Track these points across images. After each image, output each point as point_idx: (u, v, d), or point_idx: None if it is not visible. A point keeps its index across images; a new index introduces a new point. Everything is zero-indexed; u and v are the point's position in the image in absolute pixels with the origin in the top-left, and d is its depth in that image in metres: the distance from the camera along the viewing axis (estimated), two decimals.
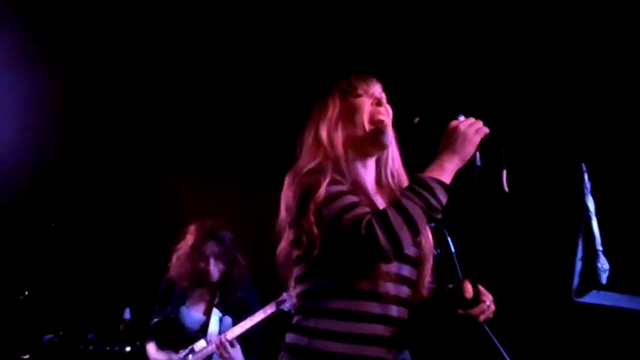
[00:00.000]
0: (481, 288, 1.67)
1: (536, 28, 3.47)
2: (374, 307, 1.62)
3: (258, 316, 3.25)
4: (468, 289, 1.66)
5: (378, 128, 1.75)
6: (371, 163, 1.81)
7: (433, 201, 1.54)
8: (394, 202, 1.55)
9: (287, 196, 1.67)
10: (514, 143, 1.75)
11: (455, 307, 1.67)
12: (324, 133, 1.75)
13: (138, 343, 3.76)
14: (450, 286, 1.78)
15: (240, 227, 3.61)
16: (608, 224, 3.20)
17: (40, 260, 4.43)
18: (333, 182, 1.62)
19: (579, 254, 3.23)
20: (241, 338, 3.28)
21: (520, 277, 3.40)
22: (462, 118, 1.64)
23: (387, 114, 1.77)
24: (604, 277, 3.18)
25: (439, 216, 1.57)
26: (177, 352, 3.35)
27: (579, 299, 3.24)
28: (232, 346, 3.23)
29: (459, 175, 1.60)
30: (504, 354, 2.24)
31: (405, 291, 1.69)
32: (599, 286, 3.20)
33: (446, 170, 1.58)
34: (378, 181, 1.84)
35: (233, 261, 3.43)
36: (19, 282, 4.09)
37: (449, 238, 2.23)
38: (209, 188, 4.31)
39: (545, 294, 3.36)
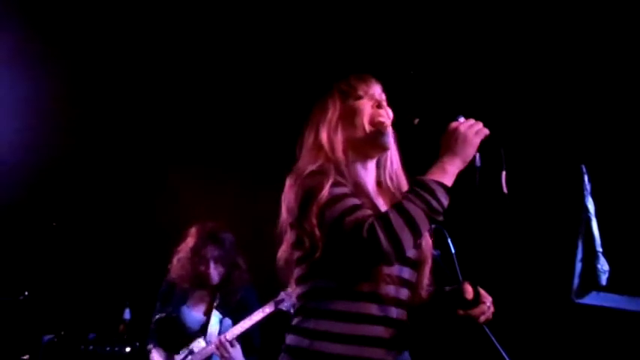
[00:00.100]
0: (481, 290, 1.67)
1: (536, 28, 3.47)
2: (374, 309, 1.62)
3: (257, 316, 3.25)
4: (469, 290, 1.66)
5: (379, 130, 1.75)
6: (371, 164, 1.81)
7: (435, 203, 1.54)
8: (396, 205, 1.55)
9: (288, 197, 1.67)
10: (514, 144, 1.75)
11: (455, 308, 1.67)
12: (324, 135, 1.75)
13: (138, 344, 3.76)
14: (448, 288, 1.79)
15: (240, 227, 3.61)
16: (608, 225, 3.20)
17: (40, 260, 4.43)
18: (335, 184, 1.62)
19: (579, 255, 3.23)
20: (242, 339, 3.29)
21: (520, 278, 3.40)
22: (461, 119, 1.64)
23: (387, 116, 1.77)
24: (604, 279, 3.18)
25: (441, 218, 1.57)
26: (177, 353, 3.36)
27: (579, 300, 3.25)
28: (232, 345, 3.23)
29: (459, 175, 1.60)
30: (504, 355, 2.24)
31: (404, 293, 1.69)
32: (599, 288, 3.20)
33: (447, 172, 1.58)
34: (378, 183, 1.84)
35: (233, 264, 3.43)
36: (19, 282, 4.09)
37: (449, 240, 2.23)
38: (209, 188, 4.31)
39: (545, 295, 3.36)
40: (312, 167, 1.66)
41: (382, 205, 1.73)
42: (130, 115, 4.51)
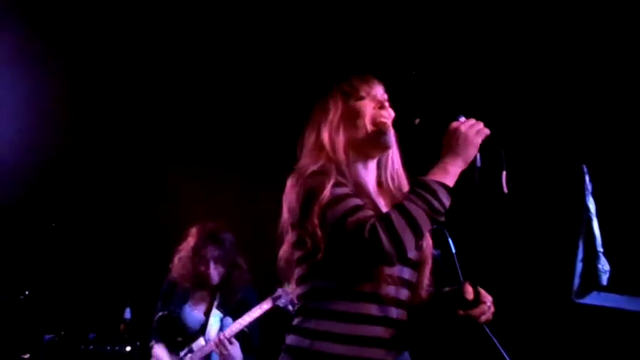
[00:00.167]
0: (481, 290, 1.67)
1: (537, 29, 3.47)
2: (374, 310, 1.62)
3: (255, 312, 3.25)
4: (469, 291, 1.66)
5: (380, 129, 1.75)
6: (372, 164, 1.81)
7: (436, 204, 1.54)
8: (398, 206, 1.55)
9: (290, 197, 1.66)
10: (515, 144, 1.75)
11: (455, 308, 1.67)
12: (325, 136, 1.75)
13: (138, 343, 3.77)
14: (449, 288, 1.79)
15: (240, 227, 3.61)
16: (609, 225, 3.20)
17: (40, 260, 4.44)
18: (337, 184, 1.61)
19: (580, 255, 3.23)
20: (241, 339, 3.29)
21: (521, 278, 3.40)
22: (462, 119, 1.64)
23: (389, 117, 1.76)
24: (604, 279, 3.18)
25: (442, 219, 1.57)
26: (177, 353, 3.36)
27: (580, 300, 3.24)
28: (231, 343, 3.23)
29: (459, 175, 1.60)
30: (505, 355, 2.24)
31: (404, 293, 1.69)
32: (600, 288, 3.20)
33: (449, 173, 1.58)
34: (379, 183, 1.84)
35: (233, 264, 3.44)
36: (20, 282, 4.10)
37: (449, 240, 2.23)
38: (209, 188, 4.31)
39: (545, 295, 3.36)
40: (313, 167, 1.66)
41: (383, 206, 1.73)
42: (130, 116, 4.51)
